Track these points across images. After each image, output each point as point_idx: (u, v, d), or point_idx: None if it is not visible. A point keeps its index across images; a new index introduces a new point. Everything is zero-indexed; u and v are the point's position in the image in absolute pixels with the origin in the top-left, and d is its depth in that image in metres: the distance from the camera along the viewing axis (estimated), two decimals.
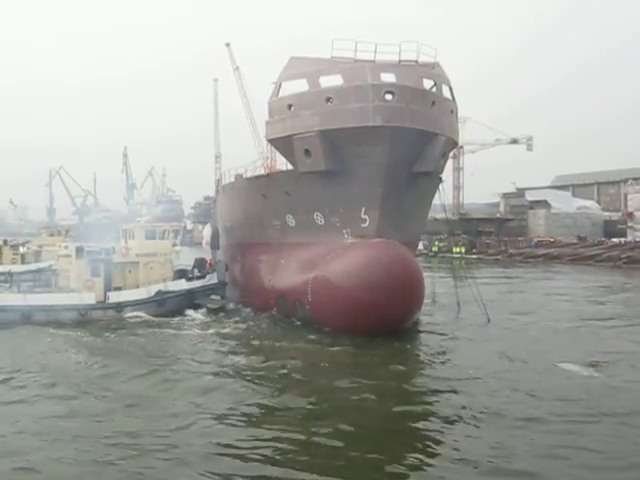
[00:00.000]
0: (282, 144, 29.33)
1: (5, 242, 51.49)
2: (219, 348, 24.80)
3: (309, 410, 16.75)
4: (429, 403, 17.67)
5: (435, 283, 42.72)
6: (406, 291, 25.97)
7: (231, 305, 34.95)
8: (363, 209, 27.55)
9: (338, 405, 17.12)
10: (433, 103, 27.56)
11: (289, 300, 29.89)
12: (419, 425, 15.77)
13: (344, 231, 28.39)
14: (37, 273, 37.34)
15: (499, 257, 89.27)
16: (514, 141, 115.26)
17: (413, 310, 27.43)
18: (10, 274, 36.86)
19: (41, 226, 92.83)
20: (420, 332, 28.37)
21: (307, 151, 27.39)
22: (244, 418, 16.06)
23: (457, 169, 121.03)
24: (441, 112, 28.18)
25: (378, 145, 26.22)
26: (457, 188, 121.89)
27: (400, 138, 26.12)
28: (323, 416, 16.31)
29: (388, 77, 26.79)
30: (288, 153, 29.34)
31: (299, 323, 28.93)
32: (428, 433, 15.12)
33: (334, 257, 27.74)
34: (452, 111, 29.53)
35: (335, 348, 23.97)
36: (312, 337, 26.04)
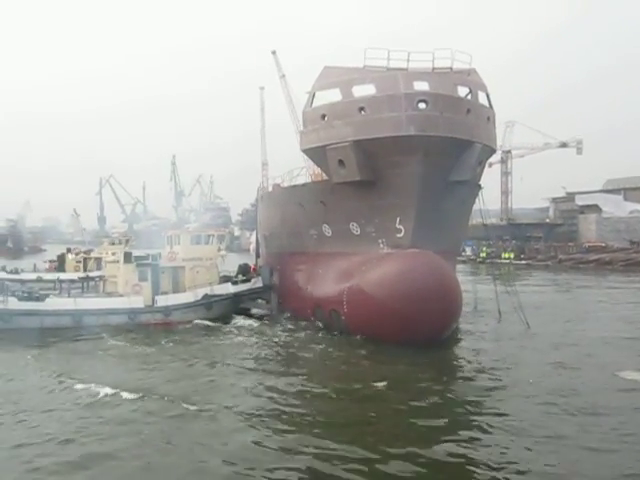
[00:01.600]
0: (316, 154, 29.43)
1: (69, 250, 52.88)
2: (269, 361, 23.99)
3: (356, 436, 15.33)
4: (481, 422, 16.16)
5: (477, 290, 41.97)
6: (441, 302, 25.56)
7: (274, 311, 35.19)
8: (398, 219, 27.43)
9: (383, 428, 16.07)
10: (468, 111, 27.25)
11: (325, 310, 29.93)
12: (470, 456, 14.07)
13: (380, 241, 28.34)
14: (85, 280, 38.31)
15: (549, 263, 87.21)
16: (563, 145, 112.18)
17: (449, 321, 26.92)
18: (60, 281, 38.01)
19: (94, 234, 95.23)
20: (461, 341, 27.90)
21: (341, 161, 27.44)
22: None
23: (505, 174, 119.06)
24: (477, 119, 27.84)
25: (412, 155, 26.05)
26: (505, 193, 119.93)
27: (434, 147, 25.96)
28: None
29: (421, 85, 26.65)
30: (322, 163, 29.44)
31: (337, 334, 28.53)
32: (480, 459, 13.73)
33: (369, 267, 27.65)
34: (489, 118, 29.12)
35: (382, 365, 22.97)
36: (352, 348, 25.74)
